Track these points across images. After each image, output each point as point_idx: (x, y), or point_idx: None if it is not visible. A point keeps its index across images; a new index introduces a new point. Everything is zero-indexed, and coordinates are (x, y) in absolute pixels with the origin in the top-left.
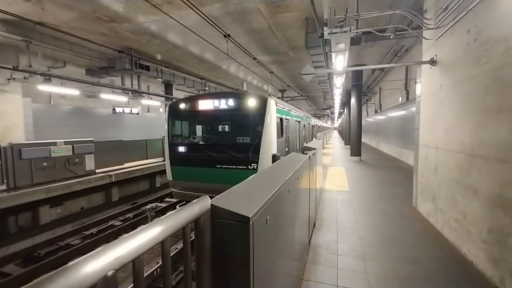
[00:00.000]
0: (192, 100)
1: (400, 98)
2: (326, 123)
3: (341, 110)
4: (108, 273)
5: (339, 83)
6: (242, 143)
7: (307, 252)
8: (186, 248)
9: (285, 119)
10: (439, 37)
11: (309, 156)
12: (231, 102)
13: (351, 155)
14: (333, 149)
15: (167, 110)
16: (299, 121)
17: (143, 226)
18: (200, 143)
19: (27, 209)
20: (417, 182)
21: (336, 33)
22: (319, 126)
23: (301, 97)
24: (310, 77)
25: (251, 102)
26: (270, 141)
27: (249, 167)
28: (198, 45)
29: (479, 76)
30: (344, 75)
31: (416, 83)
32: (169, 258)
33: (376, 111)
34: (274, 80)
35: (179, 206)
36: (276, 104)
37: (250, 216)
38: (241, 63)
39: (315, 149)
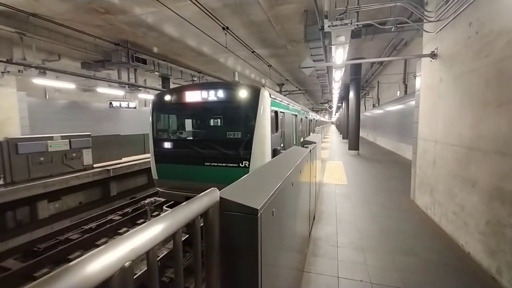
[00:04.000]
0: (177, 91)
1: (398, 92)
2: (324, 117)
3: (339, 104)
4: (125, 264)
5: (338, 76)
6: (233, 138)
7: (307, 245)
8: (196, 240)
9: (281, 112)
10: (440, 30)
11: (310, 150)
12: (220, 94)
13: (349, 149)
14: (330, 143)
15: (151, 102)
16: (295, 115)
17: (154, 219)
18: (186, 138)
19: (25, 204)
20: (415, 175)
21: (336, 25)
22: (316, 120)
23: (299, 91)
24: (309, 70)
25: (242, 93)
26: (264, 137)
27: (240, 165)
28: (195, 38)
29: (480, 70)
30: (344, 69)
31: (415, 77)
32: (180, 250)
33: (374, 105)
34: (272, 74)
35: (166, 206)
36: (270, 95)
37: (258, 208)
38: (239, 56)
39: (315, 143)
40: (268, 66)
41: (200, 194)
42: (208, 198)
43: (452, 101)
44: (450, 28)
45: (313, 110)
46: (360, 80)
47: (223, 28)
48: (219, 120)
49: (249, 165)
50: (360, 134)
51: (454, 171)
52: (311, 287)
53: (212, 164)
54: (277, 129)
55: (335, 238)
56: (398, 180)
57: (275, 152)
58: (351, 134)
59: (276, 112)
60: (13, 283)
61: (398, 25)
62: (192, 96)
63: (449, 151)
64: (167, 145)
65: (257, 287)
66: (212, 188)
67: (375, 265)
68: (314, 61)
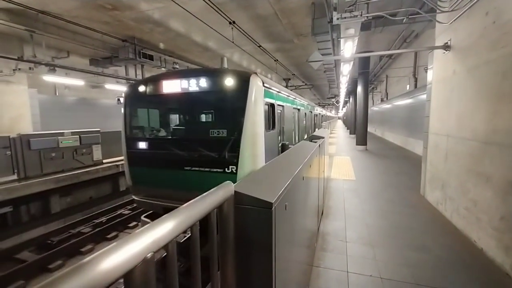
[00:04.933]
0: (153, 81)
1: (408, 86)
2: (330, 112)
3: (346, 99)
4: (147, 255)
5: (346, 70)
6: (217, 137)
7: (316, 239)
8: (212, 234)
9: (279, 105)
10: (454, 20)
11: (319, 145)
12: (202, 82)
13: (356, 144)
14: (337, 139)
15: (123, 94)
16: (298, 109)
17: (172, 212)
18: (163, 137)
19: (38, 198)
20: (426, 170)
21: (346, 18)
22: (322, 116)
23: (305, 86)
24: (317, 64)
25: (228, 81)
26: (255, 135)
27: (226, 170)
28: (201, 33)
29: (496, 61)
30: (352, 63)
31: (425, 70)
32: (197, 242)
33: (382, 100)
34: (278, 69)
35: (145, 216)
36: (263, 84)
37: (273, 202)
38: (245, 51)
39: (323, 137)
40: (275, 60)
41: (215, 188)
42: (223, 191)
43: (466, 94)
44: (465, 18)
45: (319, 105)
46: (368, 74)
47: (230, 23)
48: (200, 115)
49: (236, 170)
50: (367, 129)
51: (467, 166)
52: (321, 281)
53: (193, 169)
54: (273, 125)
55: (343, 233)
56: (407, 175)
57: (283, 148)
58: (359, 129)
59: (272, 105)
60: (29, 274)
61: (409, 16)
62: (169, 86)
63: (462, 145)
64: (141, 145)
65: (271, 281)
66: (227, 181)
67: (384, 261)
68: (322, 55)
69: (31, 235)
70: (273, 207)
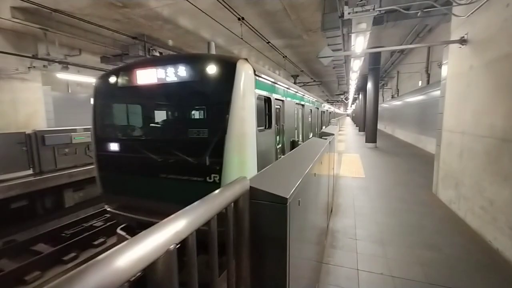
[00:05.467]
0: (124, 70)
1: (420, 82)
2: (339, 109)
3: (356, 96)
4: (170, 247)
5: (356, 66)
6: (197, 138)
7: (325, 236)
8: (228, 228)
9: (277, 100)
10: (471, 13)
11: (329, 142)
12: (180, 71)
13: (366, 142)
14: (346, 136)
15: (93, 87)
16: (302, 105)
17: (193, 205)
18: (135, 138)
19: (53, 192)
20: (439, 168)
21: (358, 12)
22: (330, 113)
23: (314, 83)
24: (327, 60)
25: (210, 69)
26: (243, 135)
27: (208, 179)
28: (210, 30)
29: None
30: (363, 58)
31: (439, 65)
32: (215, 236)
33: (392, 96)
34: (287, 65)
35: (121, 229)
36: (255, 73)
37: (287, 197)
38: (254, 47)
39: (333, 134)
40: (283, 57)
41: (232, 182)
42: (240, 186)
43: (483, 90)
44: (484, 10)
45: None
46: (379, 70)
47: (239, 19)
48: (177, 111)
49: (219, 180)
50: (377, 127)
51: (483, 164)
52: (330, 278)
53: (170, 176)
54: (269, 123)
55: (353, 230)
56: (418, 173)
57: (293, 144)
58: (369, 126)
59: (267, 100)
60: (45, 265)
61: (424, 10)
62: (141, 77)
63: (478, 142)
64: (111, 147)
65: (285, 276)
66: (243, 176)
67: (395, 259)
68: (332, 50)
69: (46, 228)
70: (288, 203)
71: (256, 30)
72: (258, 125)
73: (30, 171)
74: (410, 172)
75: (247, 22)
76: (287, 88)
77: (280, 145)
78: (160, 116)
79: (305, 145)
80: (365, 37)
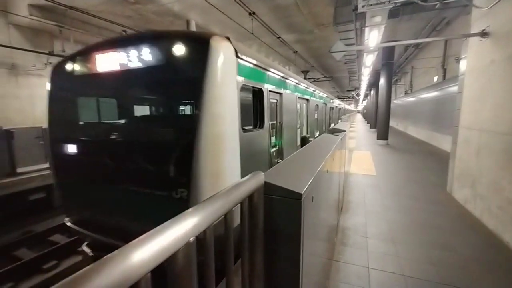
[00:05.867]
0: (82, 55)
1: (435, 77)
2: (350, 105)
3: (367, 92)
4: (190, 239)
5: (369, 61)
6: (159, 142)
7: (336, 234)
8: (243, 223)
9: (273, 92)
10: (494, 4)
11: (341, 138)
12: (139, 54)
13: (377, 139)
14: (357, 133)
15: (48, 77)
16: (307, 100)
17: (210, 198)
18: (89, 140)
19: None
20: (454, 166)
21: (372, 5)
22: (340, 109)
23: (325, 79)
24: (340, 55)
25: (177, 50)
26: (219, 138)
27: (174, 194)
28: (220, 25)
29: None
30: (376, 53)
31: (457, 60)
32: (231, 230)
33: (406, 92)
34: (297, 61)
35: (86, 246)
36: (237, 54)
37: (302, 193)
38: (264, 42)
39: (345, 131)
40: (294, 52)
41: (247, 176)
42: (255, 180)
43: (504, 85)
44: (507, 1)
45: (338, 98)
46: (392, 65)
47: (250, 14)
48: (136, 105)
49: (188, 196)
50: (389, 123)
51: (502, 162)
52: (341, 275)
53: (130, 188)
54: (260, 122)
55: (364, 228)
56: (431, 171)
57: (304, 141)
58: (380, 122)
59: (258, 91)
60: (62, 254)
61: (443, 1)
62: (99, 62)
63: (497, 140)
64: (67, 148)
65: (299, 272)
66: (257, 171)
67: (407, 258)
68: (345, 45)
69: (62, 219)
70: (302, 198)
71: (267, 25)
72: (243, 124)
73: (47, 165)
74: (423, 170)
75: (258, 17)
76: (286, 79)
77: (276, 148)
78: (118, 112)
79: (317, 141)
80: (380, 31)
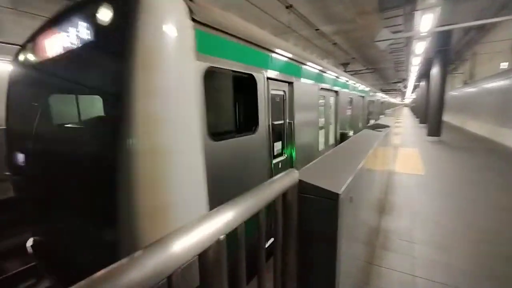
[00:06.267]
0: (32, 39)
1: (502, 64)
2: (395, 98)
3: (417, 83)
4: (220, 237)
5: (420, 49)
6: (77, 160)
7: (377, 237)
8: (277, 221)
9: (277, 80)
10: None
11: (385, 134)
12: (71, 30)
13: (427, 135)
14: (403, 129)
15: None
16: (336, 92)
17: (240, 196)
18: (26, 148)
19: None
20: None
21: None
22: (382, 103)
23: (367, 70)
24: (385, 44)
25: (103, 15)
26: (160, 154)
27: (96, 239)
28: (257, 21)
29: None
30: (429, 39)
31: None
32: (263, 229)
33: (465, 82)
34: (336, 53)
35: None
36: (193, 17)
37: (339, 193)
38: (301, 35)
39: (389, 126)
40: (333, 44)
41: (281, 174)
42: (289, 178)
43: None
44: None
45: (381, 91)
46: (448, 52)
47: (287, 7)
48: (61, 99)
49: (116, 242)
50: (443, 118)
51: None
52: (382, 282)
53: (60, 210)
54: (254, 124)
55: (408, 232)
56: (494, 171)
57: (342, 137)
58: (432, 117)
59: (246, 78)
60: None
61: None
62: (38, 46)
63: None
64: (15, 158)
65: (334, 274)
66: (292, 168)
67: (462, 269)
68: (392, 32)
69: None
70: (340, 199)
71: (305, 17)
72: (215, 129)
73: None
74: (483, 170)
75: (296, 10)
76: (302, 63)
77: (283, 157)
78: (40, 112)
79: (357, 137)
80: (435, 14)
